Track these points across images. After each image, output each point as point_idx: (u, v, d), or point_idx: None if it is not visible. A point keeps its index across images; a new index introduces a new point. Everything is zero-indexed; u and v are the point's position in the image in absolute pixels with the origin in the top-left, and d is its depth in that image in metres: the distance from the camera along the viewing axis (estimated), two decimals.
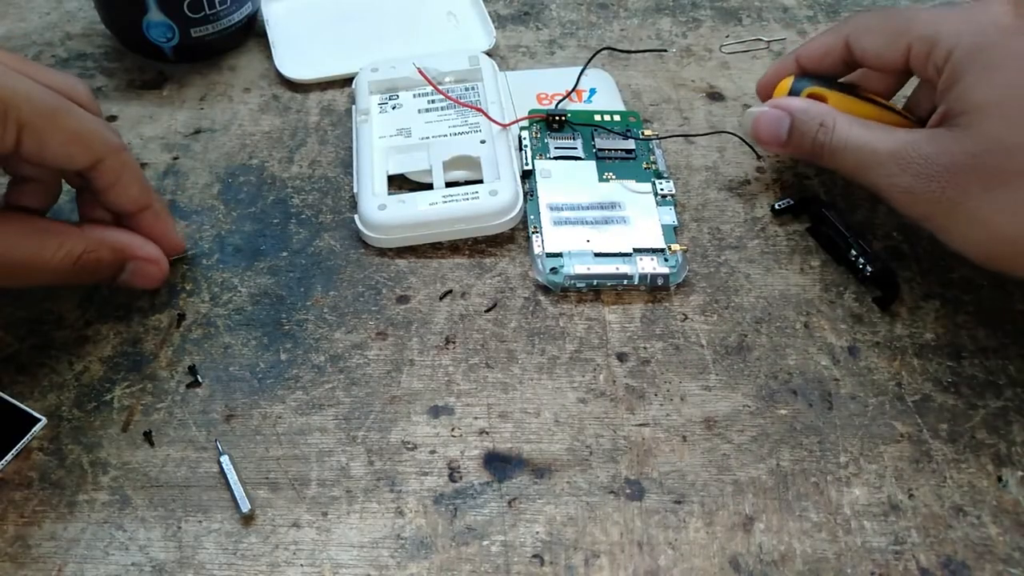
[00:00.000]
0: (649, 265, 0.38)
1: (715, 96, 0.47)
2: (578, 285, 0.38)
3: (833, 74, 0.40)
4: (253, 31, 0.51)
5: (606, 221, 0.40)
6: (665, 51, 0.50)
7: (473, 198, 0.39)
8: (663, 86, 0.48)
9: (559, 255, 0.38)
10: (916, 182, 0.33)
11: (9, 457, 0.32)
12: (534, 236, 0.39)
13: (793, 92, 0.40)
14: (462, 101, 0.44)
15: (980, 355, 0.36)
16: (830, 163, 0.37)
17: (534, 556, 0.31)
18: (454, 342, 0.37)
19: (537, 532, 0.31)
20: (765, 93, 0.42)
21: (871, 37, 0.37)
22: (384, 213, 0.39)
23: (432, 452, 0.33)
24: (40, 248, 0.32)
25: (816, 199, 0.41)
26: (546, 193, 0.41)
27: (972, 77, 0.33)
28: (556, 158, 0.42)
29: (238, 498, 0.31)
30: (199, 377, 0.35)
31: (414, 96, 0.45)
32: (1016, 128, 0.31)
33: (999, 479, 0.33)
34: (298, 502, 0.32)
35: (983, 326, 0.37)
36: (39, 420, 0.33)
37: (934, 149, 0.33)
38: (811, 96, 0.39)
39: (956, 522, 0.32)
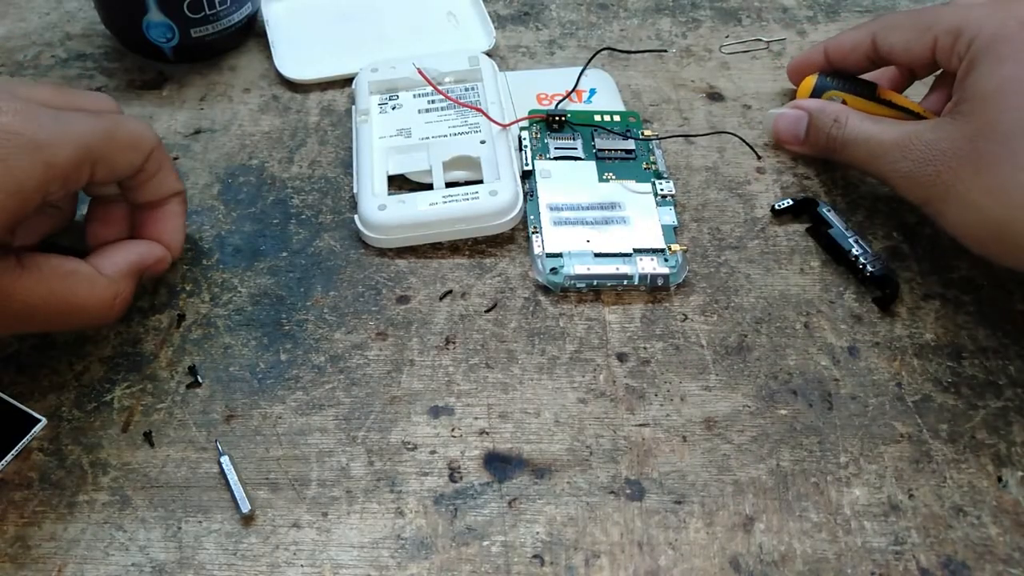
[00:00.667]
0: (649, 265, 0.38)
1: (715, 96, 0.47)
2: (578, 285, 0.38)
3: (857, 70, 0.43)
4: (253, 31, 0.51)
5: (606, 221, 0.40)
6: (665, 51, 0.50)
7: (473, 198, 0.39)
8: (663, 86, 0.48)
9: (559, 255, 0.38)
10: (915, 167, 0.35)
11: (9, 457, 0.32)
12: (534, 236, 0.39)
13: (816, 90, 0.43)
14: (462, 101, 0.44)
15: (980, 355, 0.36)
16: (842, 156, 0.40)
17: (534, 556, 0.31)
18: (454, 342, 0.37)
19: (537, 532, 0.31)
20: (794, 78, 0.46)
21: (899, 33, 0.39)
22: (384, 213, 0.39)
23: (432, 452, 0.33)
24: (73, 294, 0.32)
25: (816, 199, 0.41)
26: (546, 193, 0.41)
27: (984, 67, 0.34)
28: (556, 158, 0.42)
29: (238, 498, 0.31)
30: (199, 377, 0.35)
31: (414, 96, 0.45)
32: (1012, 116, 0.32)
33: (999, 479, 0.33)
34: (298, 502, 0.32)
35: (983, 326, 0.37)
36: (39, 420, 0.33)
37: (935, 136, 0.35)
38: (831, 98, 0.43)
39: (956, 522, 0.32)
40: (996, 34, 0.34)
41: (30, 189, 0.29)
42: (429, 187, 0.41)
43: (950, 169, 0.34)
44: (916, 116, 0.41)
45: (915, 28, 0.38)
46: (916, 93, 0.43)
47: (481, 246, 0.40)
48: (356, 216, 0.40)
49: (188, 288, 0.38)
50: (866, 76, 0.43)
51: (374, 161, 0.41)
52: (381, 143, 0.42)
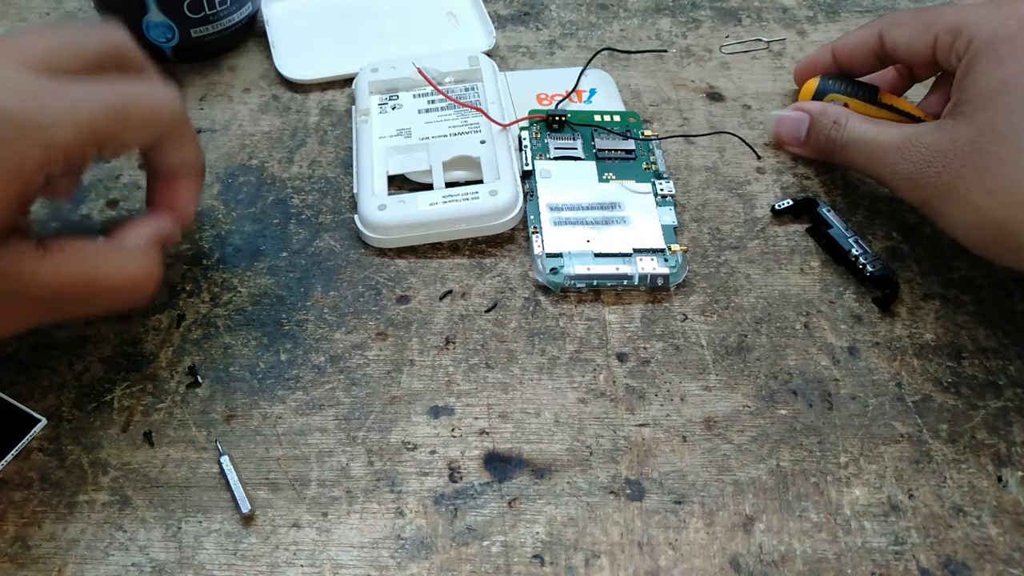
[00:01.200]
0: (649, 265, 0.38)
1: (715, 96, 0.47)
2: (578, 285, 0.38)
3: (864, 68, 0.43)
4: (253, 31, 0.51)
5: (606, 221, 0.40)
6: (665, 51, 0.50)
7: (473, 198, 0.39)
8: (663, 86, 0.48)
9: (559, 255, 0.38)
10: (916, 169, 0.35)
11: (9, 457, 0.32)
12: (534, 236, 0.39)
13: (818, 93, 0.43)
14: (462, 101, 0.44)
15: (980, 355, 0.36)
16: (842, 158, 0.40)
17: (534, 556, 0.31)
18: (454, 342, 0.37)
19: (537, 532, 0.31)
20: (800, 79, 0.46)
21: (902, 30, 0.39)
22: (384, 213, 0.39)
23: (432, 452, 0.33)
24: (100, 273, 0.30)
25: (816, 199, 0.41)
26: (546, 193, 0.41)
27: (983, 67, 0.34)
28: (556, 158, 0.42)
29: (238, 498, 0.31)
30: (199, 377, 0.35)
31: (414, 96, 0.45)
32: (1014, 116, 0.32)
33: (999, 479, 0.33)
34: (298, 502, 0.32)
35: (983, 326, 0.37)
36: (39, 420, 0.33)
37: (935, 137, 0.35)
38: (832, 101, 0.43)
39: (956, 522, 0.32)
40: (995, 34, 0.34)
41: (29, 172, 0.28)
42: (429, 187, 0.41)
43: (951, 170, 0.34)
44: (918, 120, 0.41)
45: (917, 26, 0.38)
46: (917, 95, 0.43)
47: (481, 246, 0.40)
48: (356, 216, 0.40)
49: (188, 288, 0.38)
50: (867, 79, 0.43)
51: (374, 161, 0.41)
52: (381, 143, 0.42)
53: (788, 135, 0.43)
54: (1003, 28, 0.34)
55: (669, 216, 0.40)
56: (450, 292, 0.38)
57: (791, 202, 0.41)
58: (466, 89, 0.45)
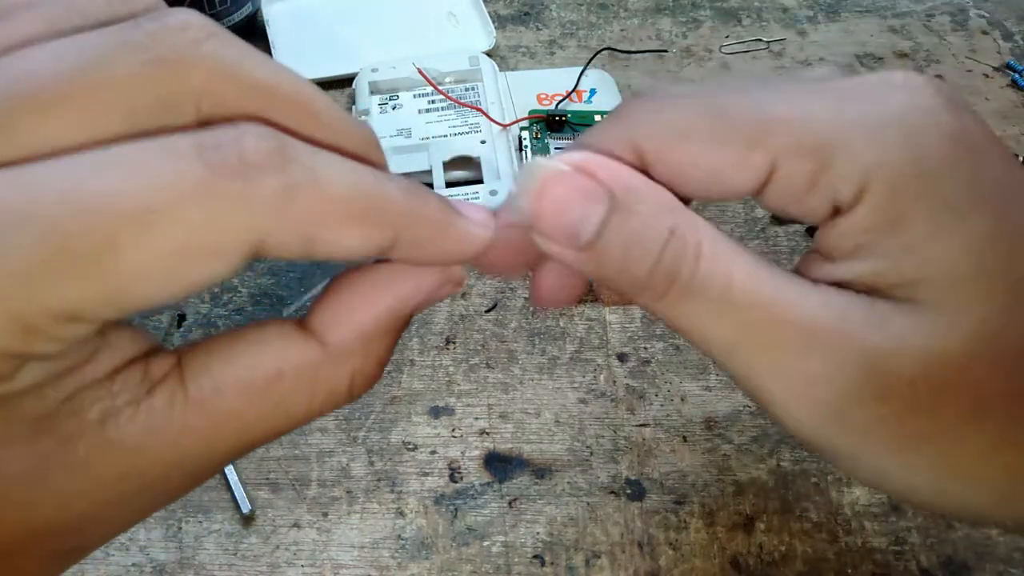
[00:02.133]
0: None
1: None
2: None
3: None
4: (253, 31, 0.51)
5: None
6: (665, 52, 0.50)
7: (473, 198, 0.39)
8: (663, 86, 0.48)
9: None
10: (833, 392, 0.17)
11: None
12: None
13: None
14: (462, 101, 0.44)
15: None
16: (671, 313, 0.18)
17: (535, 556, 0.31)
18: (454, 342, 0.37)
19: (538, 532, 0.31)
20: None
21: (694, 148, 0.18)
22: None
23: (433, 452, 0.33)
24: (284, 409, 0.17)
25: None
26: None
27: (933, 222, 0.17)
28: None
29: (239, 499, 0.31)
30: None
31: (414, 96, 0.45)
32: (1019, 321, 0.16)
33: None
34: (299, 502, 0.32)
35: None
36: None
37: (881, 337, 0.17)
38: None
39: (956, 522, 0.32)
40: (916, 158, 0.17)
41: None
42: (429, 187, 0.41)
43: (922, 409, 0.17)
44: None
45: (726, 139, 0.18)
46: None
47: None
48: None
49: None
50: None
51: None
52: (381, 143, 0.42)
53: (555, 226, 0.18)
54: (920, 148, 0.17)
55: None
56: None
57: None
58: (466, 89, 0.45)
